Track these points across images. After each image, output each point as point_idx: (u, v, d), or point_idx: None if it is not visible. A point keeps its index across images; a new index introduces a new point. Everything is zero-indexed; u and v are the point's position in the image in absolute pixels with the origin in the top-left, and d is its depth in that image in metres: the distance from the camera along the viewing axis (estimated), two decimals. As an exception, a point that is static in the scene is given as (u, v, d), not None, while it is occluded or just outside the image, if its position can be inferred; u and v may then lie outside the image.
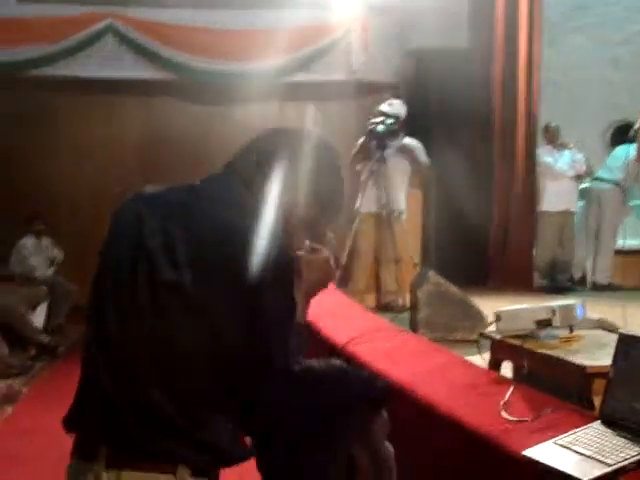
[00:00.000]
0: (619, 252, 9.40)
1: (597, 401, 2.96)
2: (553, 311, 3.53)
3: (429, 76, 9.92)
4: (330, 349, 4.44)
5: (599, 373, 3.04)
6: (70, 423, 2.01)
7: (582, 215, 9.62)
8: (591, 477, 2.28)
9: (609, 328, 4.12)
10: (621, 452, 2.38)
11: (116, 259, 2.00)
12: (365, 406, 1.62)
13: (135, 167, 10.00)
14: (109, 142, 10.46)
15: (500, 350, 3.80)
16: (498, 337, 3.72)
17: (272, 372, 1.91)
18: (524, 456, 2.55)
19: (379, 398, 1.65)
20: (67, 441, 2.03)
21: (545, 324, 3.53)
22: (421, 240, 8.38)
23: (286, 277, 1.97)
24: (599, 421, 2.62)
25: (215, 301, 1.90)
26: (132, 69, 10.20)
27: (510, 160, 9.60)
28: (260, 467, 1.88)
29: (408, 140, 7.93)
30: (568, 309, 3.60)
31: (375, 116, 7.86)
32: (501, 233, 9.51)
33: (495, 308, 3.87)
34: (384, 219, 7.62)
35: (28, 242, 9.24)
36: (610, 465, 2.32)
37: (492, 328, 3.82)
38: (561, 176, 9.30)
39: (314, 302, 5.63)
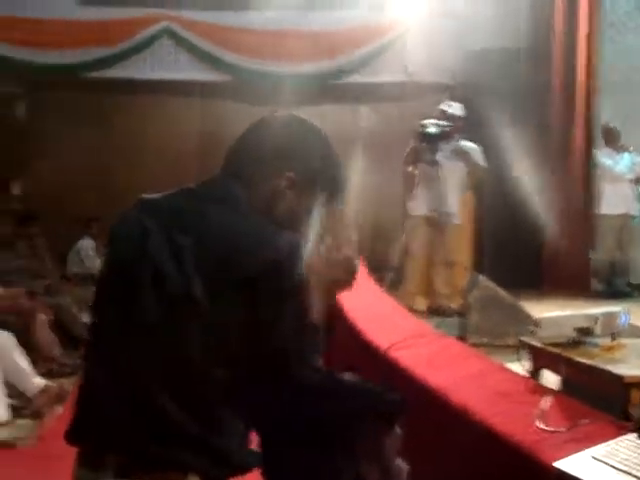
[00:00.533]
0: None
1: (636, 412, 2.88)
2: (595, 319, 3.45)
3: (486, 77, 9.80)
4: (372, 353, 4.40)
5: (637, 383, 2.96)
6: (74, 435, 1.97)
7: (641, 219, 9.43)
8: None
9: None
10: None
11: (121, 273, 1.96)
12: (375, 420, 1.57)
13: (191, 168, 10.05)
14: (164, 144, 10.54)
15: (540, 357, 3.72)
16: (538, 344, 3.65)
17: (284, 377, 1.88)
18: (555, 467, 2.48)
19: (391, 412, 1.60)
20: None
21: (586, 332, 3.44)
22: (474, 243, 8.27)
23: (298, 279, 1.92)
24: (636, 434, 2.54)
25: (226, 308, 1.86)
26: (187, 71, 10.29)
27: (568, 162, 9.45)
28: (264, 473, 1.85)
29: (464, 143, 7.83)
30: (611, 317, 3.51)
31: (434, 117, 7.79)
32: (557, 236, 9.35)
33: (548, 313, 3.79)
34: (436, 222, 7.54)
35: (85, 244, 9.36)
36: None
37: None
38: (620, 179, 9.11)
39: (361, 305, 5.60)
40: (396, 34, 10.34)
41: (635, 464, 2.36)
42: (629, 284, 9.20)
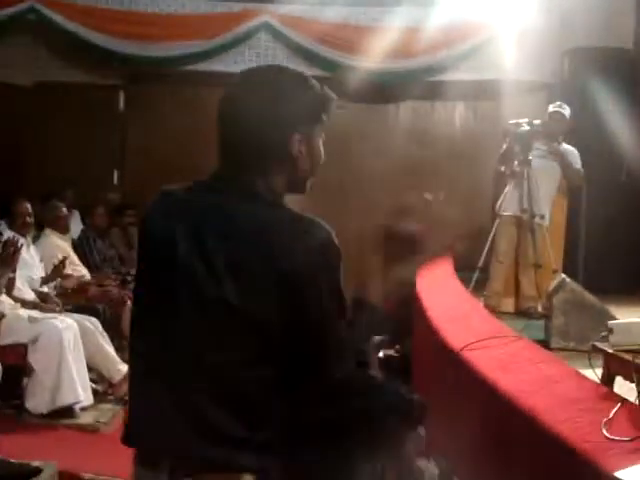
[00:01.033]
0: None
1: None
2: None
3: (586, 76, 9.55)
4: (446, 353, 4.34)
5: None
6: (129, 439, 2.01)
7: None
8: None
9: None
10: None
11: (154, 280, 1.98)
12: (398, 420, 1.53)
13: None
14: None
15: (612, 364, 3.61)
16: (610, 350, 3.54)
17: (322, 374, 1.86)
18: (616, 477, 2.40)
19: (412, 414, 1.56)
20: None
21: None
22: (564, 246, 8.08)
23: (333, 272, 1.89)
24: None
25: (260, 307, 1.85)
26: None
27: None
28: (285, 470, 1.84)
29: (565, 145, 7.66)
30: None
31: (532, 116, 7.65)
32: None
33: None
34: (525, 223, 7.40)
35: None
36: None
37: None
38: None
39: (441, 303, 5.54)
40: (493, 31, 10.18)
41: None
42: None
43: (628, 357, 3.34)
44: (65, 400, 6.14)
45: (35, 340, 6.17)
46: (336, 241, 1.91)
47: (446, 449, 4.15)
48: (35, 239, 7.64)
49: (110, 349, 6.76)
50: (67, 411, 6.18)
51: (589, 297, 5.88)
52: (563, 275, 6.28)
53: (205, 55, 10.14)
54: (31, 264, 7.00)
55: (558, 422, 3.00)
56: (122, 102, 10.99)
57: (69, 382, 6.13)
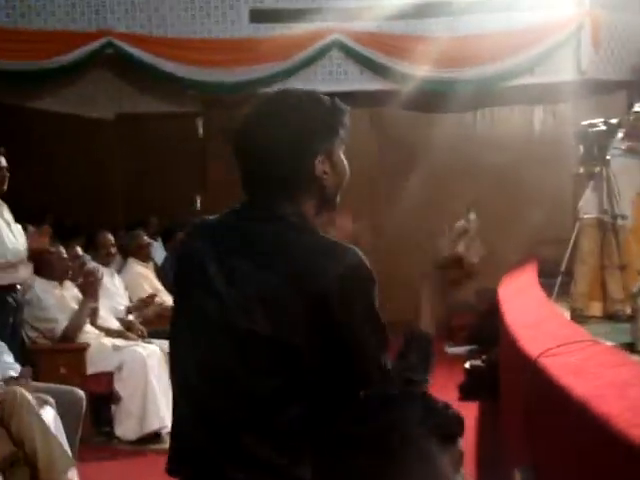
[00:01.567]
0: None
1: None
2: None
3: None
4: (524, 360, 4.27)
5: None
6: (172, 471, 2.03)
7: None
8: None
9: None
10: None
11: (189, 309, 1.99)
12: (429, 436, 1.49)
13: (364, 175, 10.01)
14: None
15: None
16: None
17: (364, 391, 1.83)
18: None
19: (446, 428, 1.52)
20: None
21: None
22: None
23: (366, 298, 1.88)
24: None
25: (294, 336, 1.83)
26: (357, 82, 10.34)
27: None
28: None
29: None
30: None
31: (613, 116, 7.50)
32: None
33: None
34: (607, 224, 7.22)
35: None
36: None
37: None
38: None
39: (520, 310, 5.45)
40: (569, 32, 10.03)
41: None
42: None
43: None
44: (152, 426, 6.25)
45: (120, 368, 6.30)
46: (369, 266, 1.89)
47: (530, 459, 4.09)
48: (120, 268, 7.79)
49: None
50: (155, 436, 6.28)
51: (676, 298, 5.71)
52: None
53: (280, 77, 10.18)
54: (115, 293, 7.14)
55: (631, 426, 2.92)
56: (201, 128, 11.14)
57: (154, 408, 6.23)
